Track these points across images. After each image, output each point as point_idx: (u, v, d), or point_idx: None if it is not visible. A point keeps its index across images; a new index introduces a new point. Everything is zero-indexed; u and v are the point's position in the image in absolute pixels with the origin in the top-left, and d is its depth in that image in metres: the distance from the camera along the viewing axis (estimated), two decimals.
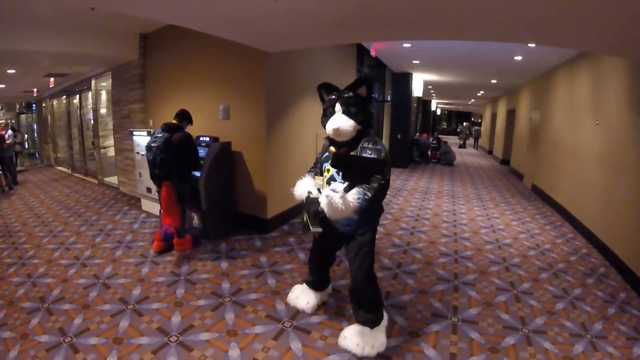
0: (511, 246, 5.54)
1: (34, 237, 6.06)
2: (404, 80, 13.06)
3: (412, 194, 8.60)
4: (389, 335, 3.30)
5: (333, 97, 3.08)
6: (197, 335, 3.30)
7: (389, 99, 13.36)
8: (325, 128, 3.11)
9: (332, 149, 3.10)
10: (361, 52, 9.08)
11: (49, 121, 15.98)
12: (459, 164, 15.17)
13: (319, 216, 2.85)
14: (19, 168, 13.41)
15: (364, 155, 2.88)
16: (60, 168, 14.58)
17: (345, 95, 3.02)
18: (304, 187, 3.16)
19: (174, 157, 4.76)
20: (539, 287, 4.30)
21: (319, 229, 2.92)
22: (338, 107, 2.99)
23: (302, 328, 3.43)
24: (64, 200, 8.68)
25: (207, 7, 3.58)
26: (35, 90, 14.68)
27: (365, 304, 3.15)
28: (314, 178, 3.28)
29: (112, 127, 9.38)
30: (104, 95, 10.89)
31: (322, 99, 3.27)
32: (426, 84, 15.25)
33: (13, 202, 8.91)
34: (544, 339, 3.30)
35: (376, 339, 3.08)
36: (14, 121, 20.93)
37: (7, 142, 10.95)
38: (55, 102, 15.07)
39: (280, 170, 6.08)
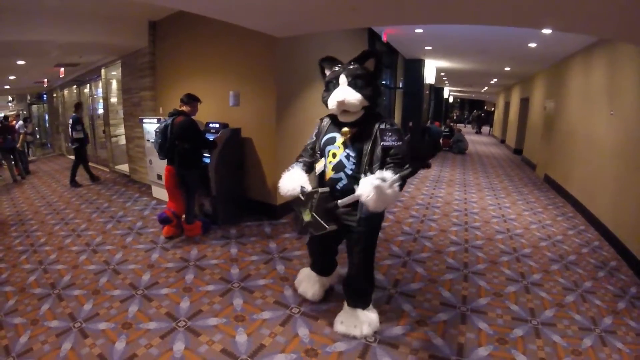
0: (522, 236, 5.47)
1: (46, 225, 6.12)
2: (416, 66, 12.86)
3: (423, 182, 8.52)
4: (397, 323, 3.28)
5: (337, 68, 2.81)
6: (205, 321, 3.30)
7: (400, 86, 13.18)
8: (327, 104, 2.85)
9: (346, 129, 2.78)
10: (372, 37, 8.95)
11: (60, 111, 16.12)
12: (472, 152, 15.01)
13: (334, 212, 2.72)
14: (30, 158, 13.56)
15: (385, 138, 2.62)
16: (71, 157, 14.66)
17: (352, 67, 2.75)
18: (295, 180, 2.91)
19: (172, 142, 4.75)
20: (550, 278, 4.23)
21: (335, 226, 2.74)
22: (343, 78, 2.71)
23: (310, 314, 3.41)
24: (76, 188, 8.73)
25: None
26: (45, 80, 14.75)
27: (359, 292, 3.12)
28: (306, 168, 3.07)
29: (122, 116, 9.41)
30: (114, 84, 10.93)
31: (324, 74, 2.99)
32: (439, 70, 15.00)
33: (25, 191, 9.01)
34: (553, 331, 3.24)
35: (370, 318, 3.10)
36: (25, 112, 21.12)
37: (19, 132, 11.07)
38: (66, 91, 15.19)
39: (290, 156, 5.97)
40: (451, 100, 35.16)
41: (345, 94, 2.66)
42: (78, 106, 9.34)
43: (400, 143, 2.61)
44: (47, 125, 19.65)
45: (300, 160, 3.12)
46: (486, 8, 3.71)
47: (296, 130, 6.14)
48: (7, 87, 16.12)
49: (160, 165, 5.36)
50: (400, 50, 11.64)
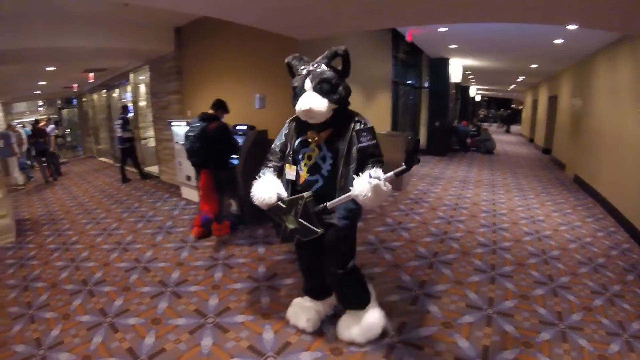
0: (551, 238, 5.35)
1: (77, 224, 6.32)
2: (441, 65, 12.67)
3: (451, 183, 8.42)
4: (422, 324, 3.24)
5: (303, 72, 2.59)
6: (232, 318, 3.34)
7: (426, 85, 13.06)
8: (296, 110, 2.63)
9: (312, 133, 2.66)
10: (396, 37, 8.93)
11: (90, 115, 16.55)
12: (499, 152, 14.70)
13: (321, 215, 2.59)
14: (61, 160, 13.98)
15: (361, 139, 2.55)
16: (102, 159, 15.10)
17: (317, 70, 2.55)
18: (269, 188, 2.68)
19: (209, 146, 4.82)
20: (578, 281, 4.11)
21: (322, 230, 2.60)
22: (308, 83, 2.52)
23: (337, 315, 3.42)
24: (106, 189, 8.99)
25: None
26: (75, 85, 15.16)
27: (349, 294, 2.98)
28: (277, 173, 2.85)
29: (151, 119, 9.62)
30: (142, 88, 11.18)
31: (293, 75, 2.73)
32: (465, 69, 14.74)
33: (57, 192, 9.31)
34: (580, 335, 3.14)
35: (374, 316, 2.97)
36: (55, 116, 21.73)
37: (50, 136, 11.43)
38: (95, 96, 15.62)
39: None
40: (478, 99, 34.51)
41: (310, 101, 2.48)
42: (125, 108, 9.76)
43: (375, 141, 2.59)
44: (78, 128, 20.17)
45: (269, 165, 2.88)
46: (511, 5, 3.67)
47: None
48: (37, 92, 16.60)
49: (189, 167, 5.45)
50: (424, 50, 11.53)
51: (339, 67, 2.63)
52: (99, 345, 3.07)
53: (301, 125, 2.76)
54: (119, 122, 9.38)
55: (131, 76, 10.70)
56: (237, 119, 6.13)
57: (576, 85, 10.46)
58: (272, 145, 2.96)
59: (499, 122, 30.19)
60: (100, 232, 5.81)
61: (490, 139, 14.52)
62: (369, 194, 2.34)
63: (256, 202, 2.71)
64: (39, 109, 23.24)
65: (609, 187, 6.98)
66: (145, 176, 9.88)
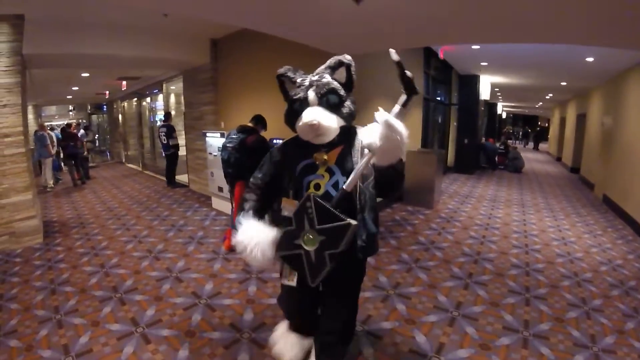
0: (583, 260, 5.21)
1: (107, 229, 6.40)
2: (471, 82, 12.60)
3: (480, 202, 8.30)
4: (460, 346, 3.18)
5: (305, 83, 2.14)
6: (268, 333, 3.26)
7: (455, 102, 12.97)
8: (292, 127, 2.20)
9: (321, 155, 2.11)
10: (428, 54, 8.91)
11: (120, 121, 16.89)
12: (527, 171, 14.47)
13: (342, 203, 1.99)
14: (90, 164, 14.28)
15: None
16: (130, 165, 15.36)
17: (323, 80, 2.12)
18: (257, 239, 2.04)
19: (246, 158, 4.82)
20: (610, 304, 4.01)
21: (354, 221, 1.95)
22: (312, 95, 2.08)
23: (373, 332, 3.36)
24: (136, 195, 9.10)
25: (282, 11, 3.63)
26: (107, 92, 15.52)
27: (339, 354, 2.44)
28: (259, 215, 2.26)
29: (182, 128, 9.75)
30: (173, 98, 11.36)
31: (285, 90, 2.28)
32: (493, 86, 14.66)
33: (85, 195, 9.47)
34: (613, 358, 3.07)
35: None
36: (85, 121, 22.23)
37: (81, 140, 11.70)
38: (126, 103, 15.92)
39: None
40: (504, 115, 34.14)
41: (318, 115, 2.03)
42: (168, 115, 9.98)
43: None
44: (107, 134, 20.62)
45: (246, 206, 2.28)
46: (542, 28, 3.64)
47: None
48: (69, 97, 17.02)
49: (221, 178, 5.46)
50: (455, 66, 11.50)
51: (343, 80, 2.21)
52: (130, 356, 3.05)
53: (301, 149, 2.19)
54: (163, 129, 9.63)
55: (164, 85, 10.91)
56: (273, 133, 6.13)
57: (606, 103, 10.26)
58: (251, 180, 2.36)
59: (524, 139, 29.74)
60: (130, 239, 5.86)
61: (519, 157, 14.26)
62: (385, 136, 1.86)
63: (251, 262, 2.07)
64: (69, 112, 23.84)
65: (639, 208, 6.80)
66: (174, 184, 9.98)
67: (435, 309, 3.75)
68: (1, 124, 5.40)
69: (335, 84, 2.13)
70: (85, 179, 11.46)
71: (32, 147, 9.72)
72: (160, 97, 12.04)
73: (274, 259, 2.05)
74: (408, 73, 1.87)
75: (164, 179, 10.26)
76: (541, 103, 22.29)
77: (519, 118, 40.35)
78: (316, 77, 2.14)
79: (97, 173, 13.41)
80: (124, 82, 12.12)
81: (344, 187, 1.95)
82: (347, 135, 2.16)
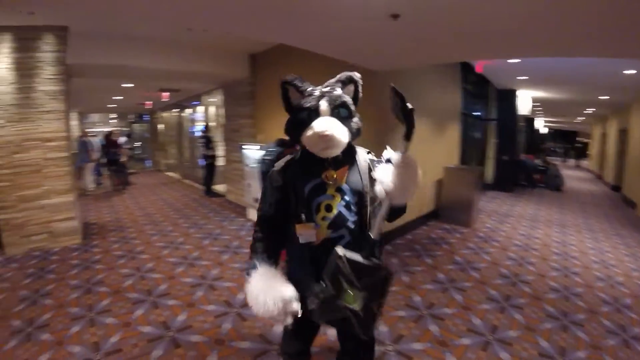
0: (623, 285, 4.93)
1: (144, 234, 6.55)
2: (509, 97, 12.25)
3: (519, 221, 8.03)
4: None
5: (316, 93, 2.01)
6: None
7: (493, 118, 12.67)
8: (295, 138, 2.02)
9: (332, 173, 1.96)
10: (465, 68, 8.77)
11: (161, 131, 17.41)
12: (567, 189, 13.95)
13: (374, 252, 1.86)
14: (131, 171, 14.72)
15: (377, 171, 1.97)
16: (169, 174, 15.74)
17: (335, 93, 2.02)
18: (273, 293, 1.78)
19: None
20: None
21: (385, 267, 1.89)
22: (325, 106, 1.94)
23: (403, 352, 3.27)
24: (173, 202, 9.30)
25: (319, 27, 3.66)
26: (149, 102, 16.02)
27: None
28: (273, 260, 2.02)
29: (220, 140, 9.97)
30: (212, 110, 11.64)
31: (287, 99, 2.09)
32: (532, 100, 14.26)
33: (125, 201, 9.75)
34: None
35: None
36: (127, 129, 23.03)
37: (122, 147, 12.15)
38: (166, 114, 16.41)
39: None
40: (544, 131, 33.07)
41: (332, 126, 1.89)
42: (207, 127, 10.29)
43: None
44: (147, 142, 21.28)
45: (258, 248, 2.04)
46: (582, 43, 3.53)
47: None
48: (112, 106, 17.66)
49: (258, 189, 5.52)
50: (492, 81, 11.22)
51: (350, 96, 2.12)
52: (158, 359, 3.11)
53: (304, 168, 2.02)
54: (202, 140, 9.94)
55: (203, 98, 11.19)
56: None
57: None
58: (260, 212, 2.13)
59: (564, 155, 28.73)
60: (166, 245, 5.99)
61: (559, 174, 13.75)
62: (402, 176, 1.80)
63: (261, 315, 1.81)
64: (111, 121, 24.73)
65: None
66: (211, 194, 10.15)
67: (469, 332, 3.62)
68: (45, 129, 5.70)
69: (347, 98, 2.05)
70: (125, 185, 11.81)
71: (75, 152, 10.12)
72: (200, 109, 12.33)
73: (286, 315, 1.80)
74: (409, 105, 1.81)
75: (202, 188, 10.45)
76: (581, 118, 21.59)
77: (559, 133, 39.04)
78: (327, 89, 2.04)
79: (137, 180, 13.82)
80: (165, 94, 12.47)
81: (371, 235, 1.84)
82: (349, 153, 2.06)
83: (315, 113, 1.94)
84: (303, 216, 1.92)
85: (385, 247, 5.85)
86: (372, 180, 1.97)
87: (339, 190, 1.96)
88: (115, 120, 24.60)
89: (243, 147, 7.14)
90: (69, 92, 6.34)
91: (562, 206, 10.20)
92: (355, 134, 2.03)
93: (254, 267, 1.92)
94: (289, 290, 1.80)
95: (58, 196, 5.87)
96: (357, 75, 2.11)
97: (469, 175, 7.46)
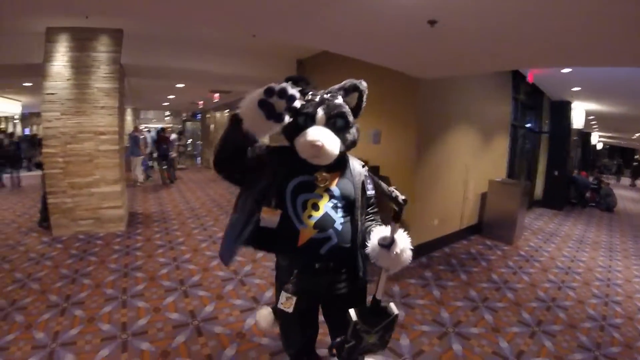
0: None
1: (186, 227, 6.81)
2: (563, 109, 11.64)
3: (565, 242, 7.66)
4: None
5: (316, 99, 1.98)
6: (319, 350, 3.28)
7: (546, 130, 12.15)
8: (290, 139, 2.00)
9: (326, 175, 1.97)
10: (516, 78, 8.50)
11: (211, 129, 17.96)
12: (619, 210, 13.17)
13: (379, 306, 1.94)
14: (180, 166, 15.23)
15: (369, 186, 2.11)
16: None
17: (335, 102, 1.98)
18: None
19: None
20: None
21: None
22: (321, 114, 1.92)
23: None
24: (218, 199, 9.56)
25: (362, 35, 3.68)
26: (201, 102, 16.65)
27: None
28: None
29: (267, 141, 10.18)
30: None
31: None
32: (587, 113, 13.37)
33: (172, 194, 10.14)
34: None
35: None
36: (180, 126, 23.96)
37: (173, 143, 12.77)
38: (218, 114, 16.95)
39: (425, 199, 5.92)
40: (599, 147, 31.20)
41: (324, 137, 1.87)
42: None
43: (374, 191, 2.14)
44: (199, 140, 22.04)
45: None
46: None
47: (434, 172, 6.02)
48: (165, 104, 18.45)
49: None
50: (545, 91, 10.71)
51: (352, 105, 2.08)
52: (180, 345, 3.25)
53: (295, 162, 1.99)
54: None
55: None
56: (351, 154, 6.19)
57: None
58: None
59: (617, 173, 26.96)
60: (205, 238, 6.19)
61: (612, 194, 12.85)
62: (395, 259, 1.86)
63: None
64: (165, 118, 25.79)
65: None
66: None
67: (494, 355, 3.47)
68: (98, 123, 6.09)
69: (346, 108, 2.00)
70: (174, 179, 12.27)
71: (126, 146, 10.65)
72: None
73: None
74: (402, 197, 1.86)
75: None
76: (639, 134, 20.30)
77: (615, 150, 36.72)
78: (328, 96, 2.01)
79: (185, 175, 14.36)
80: (216, 95, 12.88)
81: (376, 296, 1.91)
82: (341, 161, 2.06)
83: (311, 120, 1.93)
84: (273, 202, 1.92)
85: (420, 259, 5.79)
86: (363, 191, 2.05)
87: (328, 191, 1.98)
88: (169, 118, 25.66)
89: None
90: (124, 89, 6.69)
91: (612, 228, 9.63)
92: (349, 146, 2.02)
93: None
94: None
95: (107, 185, 6.24)
96: (363, 84, 2.06)
97: (515, 189, 7.18)
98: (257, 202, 1.92)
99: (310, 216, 1.92)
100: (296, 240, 1.92)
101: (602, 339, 3.93)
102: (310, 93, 2.02)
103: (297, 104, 1.75)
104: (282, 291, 1.92)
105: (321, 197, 1.96)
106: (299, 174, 1.97)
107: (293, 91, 1.71)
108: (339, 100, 2.00)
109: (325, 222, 1.93)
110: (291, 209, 1.94)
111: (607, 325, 4.23)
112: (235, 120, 1.78)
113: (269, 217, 1.92)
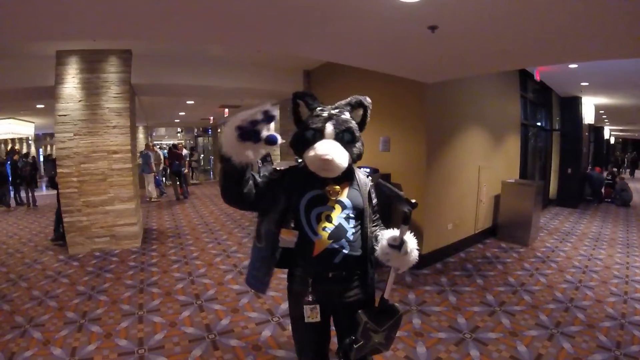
0: None
1: (200, 241, 6.87)
2: (573, 105, 11.51)
3: (582, 240, 7.54)
4: None
5: (324, 114, 2.06)
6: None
7: (557, 127, 11.97)
8: (298, 153, 2.10)
9: (336, 187, 2.05)
10: (524, 76, 8.43)
11: None
12: (636, 204, 12.81)
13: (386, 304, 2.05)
14: (194, 181, 15.36)
15: (373, 196, 2.22)
16: None
17: (343, 117, 2.06)
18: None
19: None
20: None
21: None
22: (330, 129, 2.00)
23: None
24: (231, 213, 9.63)
25: (363, 45, 3.72)
26: (211, 118, 16.86)
27: None
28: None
29: (278, 153, 10.25)
30: (271, 125, 11.97)
31: (297, 113, 2.19)
32: (597, 108, 13.23)
33: (186, 209, 10.21)
34: None
35: None
36: (192, 142, 24.24)
37: (185, 159, 12.90)
38: None
39: (438, 204, 5.89)
40: (612, 141, 30.50)
41: (334, 151, 1.94)
42: None
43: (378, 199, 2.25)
44: (211, 154, 22.33)
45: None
46: None
47: (445, 177, 6.00)
48: (177, 121, 18.70)
49: None
50: (553, 88, 10.60)
51: (357, 120, 2.18)
52: (197, 358, 3.28)
53: (305, 179, 2.09)
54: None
55: None
56: (362, 161, 6.18)
57: None
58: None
59: (632, 166, 26.32)
60: (219, 252, 6.24)
61: (627, 189, 12.50)
62: (404, 259, 1.94)
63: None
64: (177, 134, 26.12)
65: None
66: None
67: (512, 359, 3.43)
68: (111, 142, 6.21)
69: (353, 124, 2.09)
70: (187, 194, 12.40)
71: (138, 163, 10.81)
72: None
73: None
74: (412, 200, 1.85)
75: None
76: None
77: (629, 143, 35.86)
78: (336, 111, 2.09)
79: (199, 190, 14.50)
80: (226, 110, 13.03)
81: (383, 296, 2.01)
82: (348, 173, 2.13)
83: (320, 134, 2.01)
84: (292, 223, 2.00)
85: (435, 265, 5.76)
86: (370, 200, 2.17)
87: (340, 203, 2.06)
88: (181, 134, 25.99)
89: (299, 161, 7.28)
90: (135, 109, 6.81)
91: (629, 224, 9.44)
92: (355, 159, 2.10)
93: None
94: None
95: (121, 203, 6.34)
96: (367, 101, 2.16)
97: (529, 190, 7.11)
98: (277, 225, 2.00)
99: (324, 227, 2.00)
100: (311, 250, 1.99)
101: (622, 338, 3.86)
102: (319, 109, 2.10)
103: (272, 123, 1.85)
104: (305, 306, 1.98)
105: (333, 208, 2.04)
106: (310, 189, 2.05)
107: (259, 114, 1.80)
108: (347, 115, 2.09)
109: (339, 233, 2.01)
110: (305, 223, 2.01)
111: (627, 324, 4.15)
112: (222, 156, 1.85)
113: (287, 237, 1.98)
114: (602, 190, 13.03)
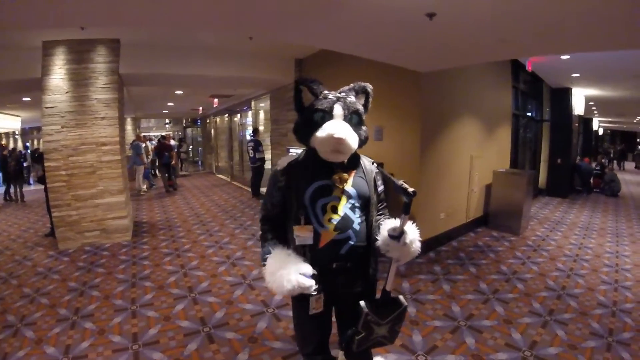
0: None
1: (192, 234, 6.82)
2: (563, 96, 11.57)
3: (572, 230, 7.63)
4: None
5: (330, 97, 2.01)
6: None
7: (547, 118, 12.02)
8: (304, 138, 2.03)
9: (344, 175, 2.00)
10: (516, 66, 8.46)
11: (212, 135, 18.05)
12: (625, 194, 13.04)
13: (388, 296, 2.04)
14: (183, 173, 15.24)
15: (378, 183, 2.15)
16: (220, 176, 16.27)
17: (349, 99, 2.03)
18: (289, 272, 1.82)
19: None
20: None
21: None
22: (338, 110, 1.96)
23: None
24: (222, 204, 9.59)
25: (357, 31, 3.67)
26: (200, 108, 16.72)
27: None
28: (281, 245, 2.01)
29: (269, 143, 10.20)
30: (262, 115, 11.92)
31: (299, 98, 2.07)
32: (587, 99, 13.35)
33: (176, 201, 10.15)
34: None
35: None
36: (180, 133, 24.04)
37: (173, 151, 12.76)
38: (217, 119, 17.04)
39: (432, 193, 5.90)
40: (601, 132, 30.94)
41: (344, 130, 1.89)
42: (256, 131, 10.55)
43: (383, 186, 2.20)
44: (200, 146, 22.17)
45: (268, 235, 2.09)
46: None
47: (439, 166, 6.01)
48: (165, 112, 18.50)
49: None
50: (545, 79, 10.65)
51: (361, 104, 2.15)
52: (192, 352, 3.24)
53: (309, 170, 2.03)
54: (251, 144, 10.17)
55: (253, 103, 11.53)
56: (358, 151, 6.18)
57: None
58: (261, 210, 2.16)
59: (620, 158, 26.66)
60: (212, 244, 6.19)
61: (616, 179, 12.72)
62: (406, 251, 1.92)
63: (276, 291, 1.89)
64: (166, 126, 25.90)
65: None
66: (259, 196, 10.41)
67: (507, 346, 3.44)
68: (100, 134, 6.11)
69: (360, 106, 2.08)
70: (176, 186, 12.29)
71: (128, 155, 10.66)
72: (250, 113, 12.67)
73: (303, 289, 1.84)
74: (410, 189, 1.86)
75: (250, 190, 10.70)
76: None
77: (617, 135, 36.50)
78: (343, 94, 2.06)
79: (189, 182, 14.41)
80: (216, 100, 12.92)
81: (386, 288, 2.00)
82: (354, 159, 2.10)
83: (329, 115, 1.96)
84: (302, 219, 1.96)
85: (429, 254, 5.78)
86: (375, 188, 2.11)
87: (345, 192, 2.01)
88: (169, 125, 25.77)
89: (290, 150, 7.27)
90: (124, 99, 6.69)
91: (618, 214, 9.57)
92: (362, 142, 2.06)
93: (268, 252, 1.97)
94: (304, 266, 1.85)
95: (111, 196, 6.25)
96: (369, 87, 2.16)
97: (519, 179, 7.15)
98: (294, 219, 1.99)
99: (330, 219, 1.95)
100: (317, 242, 1.96)
101: (614, 325, 3.90)
102: (325, 92, 2.06)
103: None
104: (310, 297, 1.92)
105: (339, 199, 1.99)
106: (315, 180, 1.99)
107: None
108: (353, 98, 2.07)
109: (345, 223, 1.97)
110: (312, 214, 1.96)
111: (618, 311, 4.20)
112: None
113: (303, 234, 1.95)
114: (591, 180, 13.18)
